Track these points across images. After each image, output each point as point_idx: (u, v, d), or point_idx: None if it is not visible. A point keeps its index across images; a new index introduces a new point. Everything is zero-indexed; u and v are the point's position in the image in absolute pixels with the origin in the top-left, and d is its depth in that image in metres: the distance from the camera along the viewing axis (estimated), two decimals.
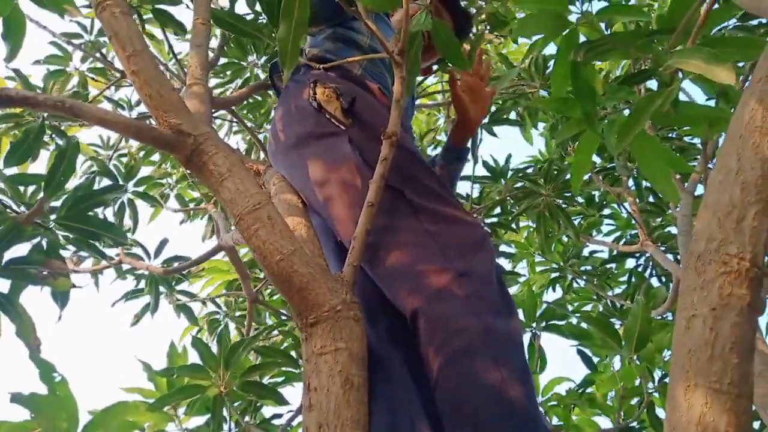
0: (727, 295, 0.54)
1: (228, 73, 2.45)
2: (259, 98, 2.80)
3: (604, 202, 2.92)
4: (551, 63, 2.77)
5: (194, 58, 1.18)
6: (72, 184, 2.24)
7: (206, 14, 1.32)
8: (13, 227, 1.23)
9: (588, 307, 2.98)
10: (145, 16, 2.14)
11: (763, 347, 1.49)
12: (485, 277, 0.91)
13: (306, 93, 1.14)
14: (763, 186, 0.58)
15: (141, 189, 2.66)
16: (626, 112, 1.43)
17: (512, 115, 2.77)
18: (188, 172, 2.31)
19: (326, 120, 1.10)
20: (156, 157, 2.89)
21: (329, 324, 0.77)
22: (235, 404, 2.05)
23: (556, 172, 2.88)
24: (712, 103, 1.46)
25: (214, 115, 2.74)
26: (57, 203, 1.29)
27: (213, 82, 2.73)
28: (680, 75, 1.21)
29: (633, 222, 2.77)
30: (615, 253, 2.88)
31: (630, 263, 2.97)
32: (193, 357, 1.90)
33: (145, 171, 2.95)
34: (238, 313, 2.94)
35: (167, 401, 1.52)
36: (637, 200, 2.65)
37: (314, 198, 1.07)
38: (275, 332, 2.47)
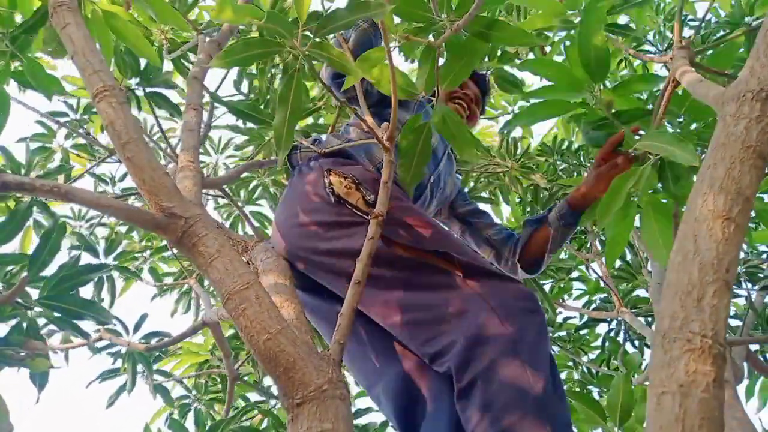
0: (692, 372, 0.57)
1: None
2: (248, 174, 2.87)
3: (572, 267, 2.99)
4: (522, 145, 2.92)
5: (186, 142, 1.23)
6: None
7: (197, 100, 1.39)
8: None
9: (563, 374, 2.97)
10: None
11: (743, 416, 1.50)
12: (535, 342, 0.97)
13: (322, 181, 1.21)
14: (719, 266, 0.63)
15: (117, 262, 2.66)
16: None
17: (485, 194, 2.88)
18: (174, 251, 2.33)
19: (348, 210, 1.17)
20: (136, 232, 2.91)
21: (315, 404, 0.78)
22: None
23: None
24: None
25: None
26: (40, 282, 1.30)
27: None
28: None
29: (602, 285, 2.83)
30: (587, 318, 2.92)
31: (602, 328, 3.01)
32: None
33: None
34: (208, 397, 2.85)
35: None
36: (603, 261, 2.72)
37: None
38: (255, 411, 2.40)
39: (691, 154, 0.99)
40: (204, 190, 2.57)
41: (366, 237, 1.01)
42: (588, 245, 2.91)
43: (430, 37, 1.29)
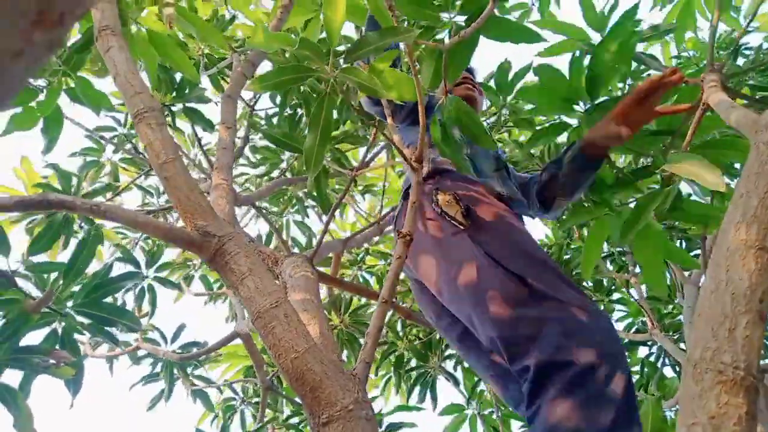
0: (724, 404, 0.56)
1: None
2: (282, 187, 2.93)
3: (613, 288, 2.92)
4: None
5: (220, 160, 1.27)
6: (95, 267, 2.32)
7: (231, 119, 1.43)
8: (20, 315, 1.28)
9: None
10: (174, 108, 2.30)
11: None
12: (608, 374, 0.97)
13: (432, 200, 1.32)
14: (752, 297, 0.61)
15: (162, 274, 2.73)
16: (632, 203, 1.48)
17: None
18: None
19: (449, 223, 1.26)
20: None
21: (341, 424, 0.79)
22: None
23: (567, 259, 2.92)
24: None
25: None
26: (76, 288, 1.35)
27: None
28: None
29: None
30: (626, 341, 2.84)
31: (642, 351, 2.92)
32: None
33: (170, 254, 3.05)
34: (255, 400, 2.90)
35: None
36: (643, 287, 2.65)
37: (448, 289, 1.22)
38: (294, 419, 2.43)
39: (719, 179, 0.97)
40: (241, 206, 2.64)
41: (471, 245, 1.17)
42: (628, 267, 2.84)
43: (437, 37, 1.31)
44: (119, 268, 2.43)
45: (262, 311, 0.84)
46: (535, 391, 0.98)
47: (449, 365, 3.12)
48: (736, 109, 0.99)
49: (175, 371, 2.41)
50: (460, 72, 1.30)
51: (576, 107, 1.43)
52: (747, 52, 2.33)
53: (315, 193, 2.15)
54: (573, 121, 1.50)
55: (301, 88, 2.25)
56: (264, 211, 3.03)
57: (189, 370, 2.55)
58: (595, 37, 1.69)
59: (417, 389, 3.08)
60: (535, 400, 0.99)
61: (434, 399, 3.06)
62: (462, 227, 1.24)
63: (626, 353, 1.05)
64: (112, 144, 2.77)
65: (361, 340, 3.16)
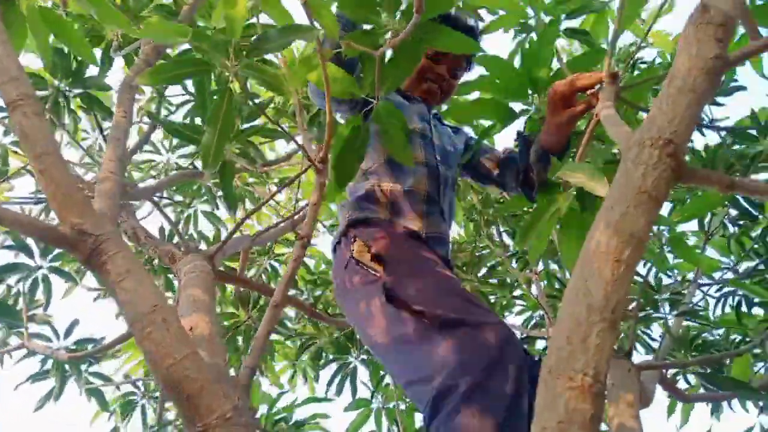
0: (572, 410, 0.59)
1: None
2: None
3: (515, 284, 3.06)
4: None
5: (110, 151, 1.20)
6: None
7: (128, 107, 1.36)
8: None
9: None
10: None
11: None
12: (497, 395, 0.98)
13: (350, 248, 1.32)
14: (606, 307, 0.65)
15: (56, 265, 2.56)
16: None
17: None
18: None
19: (365, 270, 1.26)
20: None
21: None
22: None
23: (478, 258, 3.02)
24: None
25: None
26: None
27: None
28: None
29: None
30: (524, 336, 2.99)
31: (540, 344, 3.08)
32: None
33: None
34: (157, 394, 2.79)
35: None
36: (543, 284, 2.80)
37: (364, 336, 1.24)
38: None
39: (603, 186, 1.04)
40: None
41: (381, 292, 1.17)
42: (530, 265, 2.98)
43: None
44: (7, 257, 2.26)
45: (139, 315, 0.81)
46: (431, 417, 1.01)
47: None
48: (617, 125, 1.06)
49: (68, 368, 2.28)
50: (399, 81, 1.27)
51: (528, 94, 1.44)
52: (643, 66, 2.49)
53: (221, 189, 2.09)
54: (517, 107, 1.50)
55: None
56: (169, 200, 2.91)
57: (84, 367, 2.42)
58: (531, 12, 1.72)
59: (336, 380, 3.10)
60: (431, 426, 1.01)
61: (354, 391, 3.10)
62: (376, 275, 1.24)
63: (521, 356, 1.07)
64: (3, 125, 2.56)
65: (274, 336, 3.13)
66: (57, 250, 2.63)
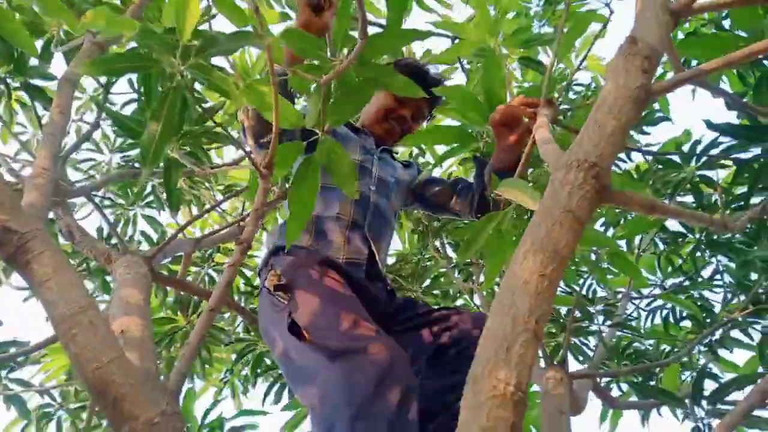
0: (494, 417, 0.62)
1: None
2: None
3: (458, 294, 3.12)
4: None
5: (44, 148, 1.16)
6: None
7: (66, 103, 1.31)
8: None
9: None
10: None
11: None
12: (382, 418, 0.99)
13: (266, 277, 1.37)
14: (530, 319, 0.68)
15: None
16: None
17: None
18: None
19: (276, 299, 1.31)
20: None
21: None
22: None
23: (422, 269, 3.07)
24: None
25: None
26: None
27: None
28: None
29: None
30: None
31: None
32: None
33: None
34: (75, 405, 2.67)
35: None
36: (484, 294, 2.87)
37: (276, 358, 1.32)
38: None
39: (535, 201, 1.08)
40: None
41: (285, 320, 1.22)
42: (473, 276, 3.05)
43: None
44: None
45: (65, 317, 0.78)
46: None
47: None
48: (550, 145, 1.11)
49: None
50: (342, 120, 1.28)
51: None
52: (578, 88, 2.62)
53: (165, 188, 2.04)
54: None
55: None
56: (110, 201, 2.81)
57: (4, 373, 2.29)
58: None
59: (274, 389, 3.06)
60: None
61: (291, 396, 3.06)
62: (282, 303, 1.29)
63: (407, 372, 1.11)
64: None
65: (209, 344, 3.05)
66: None
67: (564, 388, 1.63)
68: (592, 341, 2.75)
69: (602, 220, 2.43)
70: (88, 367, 0.76)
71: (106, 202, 3.14)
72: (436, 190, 1.72)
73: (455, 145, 1.57)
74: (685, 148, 2.28)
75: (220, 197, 3.31)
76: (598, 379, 2.28)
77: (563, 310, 2.75)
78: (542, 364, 1.95)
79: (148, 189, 3.09)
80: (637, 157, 2.60)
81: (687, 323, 2.79)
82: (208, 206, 2.83)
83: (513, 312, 0.69)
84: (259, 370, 3.16)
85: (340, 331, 1.14)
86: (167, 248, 2.15)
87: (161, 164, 2.21)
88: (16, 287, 2.55)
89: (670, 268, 2.78)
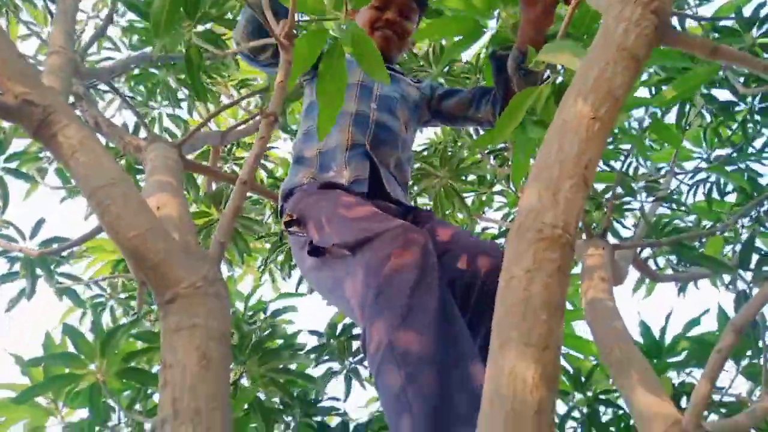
0: (540, 260, 0.59)
1: None
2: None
3: (494, 180, 3.08)
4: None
5: (58, 26, 1.11)
6: None
7: None
8: None
9: None
10: None
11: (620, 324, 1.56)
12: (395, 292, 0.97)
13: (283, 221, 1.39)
14: (578, 163, 0.64)
15: (12, 165, 2.46)
16: None
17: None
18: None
19: (295, 236, 1.33)
20: None
21: (187, 301, 0.77)
22: (125, 393, 1.97)
23: (450, 155, 3.00)
24: None
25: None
26: None
27: None
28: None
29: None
30: (504, 229, 3.05)
31: None
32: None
33: (19, 145, 2.73)
34: (124, 295, 2.81)
35: (35, 393, 1.43)
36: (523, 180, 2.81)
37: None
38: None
39: (573, 59, 1.00)
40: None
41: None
42: (509, 161, 2.98)
43: None
44: None
45: (96, 189, 0.77)
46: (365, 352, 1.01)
47: None
48: None
49: (37, 269, 2.25)
50: (363, 2, 1.23)
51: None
52: None
53: (187, 78, 1.98)
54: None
55: None
56: (131, 97, 2.77)
57: (53, 267, 2.40)
58: None
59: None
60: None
61: None
62: (301, 236, 1.30)
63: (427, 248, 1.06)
64: None
65: (245, 234, 3.13)
66: (11, 150, 2.52)
67: (605, 257, 1.61)
68: (632, 221, 2.72)
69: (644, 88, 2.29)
70: (125, 236, 0.76)
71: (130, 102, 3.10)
72: (454, 102, 1.66)
73: (460, 37, 1.47)
74: (746, 12, 2.08)
75: (234, 93, 3.24)
76: (639, 253, 2.26)
77: (603, 191, 2.68)
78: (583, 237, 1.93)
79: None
80: (690, 25, 2.40)
81: (731, 198, 2.72)
82: (226, 103, 2.78)
83: (560, 157, 0.64)
84: (293, 262, 3.26)
85: (353, 227, 1.13)
86: (195, 140, 2.13)
87: (179, 53, 2.14)
88: (53, 187, 2.60)
89: (716, 141, 2.66)
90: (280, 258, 3.34)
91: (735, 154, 2.46)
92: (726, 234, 2.54)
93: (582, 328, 2.28)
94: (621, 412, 2.10)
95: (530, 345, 0.56)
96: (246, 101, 3.29)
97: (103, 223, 0.77)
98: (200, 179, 3.03)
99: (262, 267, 3.42)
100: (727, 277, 2.61)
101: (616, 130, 2.26)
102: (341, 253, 1.14)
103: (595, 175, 0.67)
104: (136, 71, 2.60)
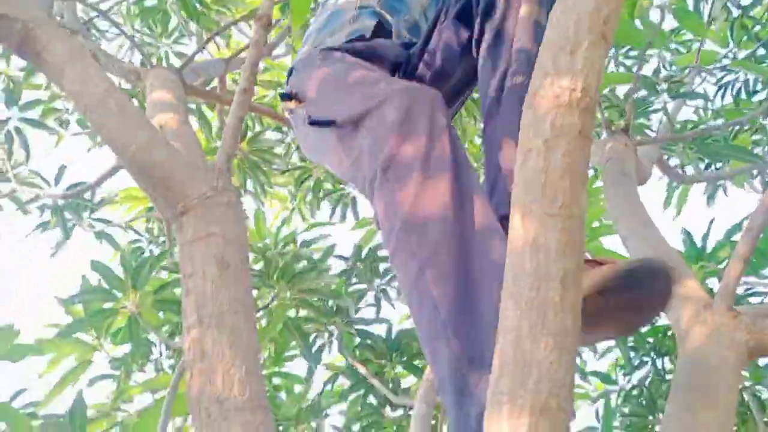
0: (558, 126, 0.55)
1: None
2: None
3: None
4: None
5: None
6: None
7: None
8: None
9: None
10: None
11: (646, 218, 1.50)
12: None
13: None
14: (596, 17, 0.58)
15: (31, 116, 2.45)
16: None
17: None
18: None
19: (297, 115, 1.12)
20: (42, 79, 2.64)
21: (200, 211, 0.75)
22: (164, 327, 2.04)
23: None
24: None
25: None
26: None
27: None
28: None
29: None
30: None
31: None
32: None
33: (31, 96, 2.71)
34: (162, 239, 2.87)
35: (76, 329, 1.48)
36: None
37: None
38: None
39: None
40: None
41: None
42: None
43: None
44: None
45: (91, 105, 0.74)
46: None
47: None
48: None
49: (68, 214, 2.29)
50: None
51: None
52: None
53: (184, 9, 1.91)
54: None
55: None
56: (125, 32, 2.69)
57: (83, 213, 2.44)
58: None
59: (338, 209, 3.18)
60: None
61: (356, 217, 3.19)
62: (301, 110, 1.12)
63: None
64: None
65: (264, 168, 3.12)
66: (27, 99, 2.50)
67: (628, 152, 1.55)
68: (655, 123, 2.60)
69: None
70: (128, 152, 0.74)
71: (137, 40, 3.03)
72: None
73: None
74: None
75: (244, 26, 3.12)
76: (661, 153, 2.17)
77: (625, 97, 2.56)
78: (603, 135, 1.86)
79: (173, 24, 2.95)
80: None
81: (759, 97, 2.58)
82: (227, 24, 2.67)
83: (576, 12, 0.58)
84: (321, 194, 3.25)
85: (353, 98, 1.01)
86: (198, 67, 2.08)
87: None
88: (73, 133, 2.60)
89: (744, 37, 2.49)
90: (309, 197, 3.34)
91: (763, 50, 2.30)
92: (754, 137, 2.42)
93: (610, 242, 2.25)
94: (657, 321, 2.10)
95: (553, 215, 0.52)
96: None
97: (103, 139, 0.75)
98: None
99: (292, 199, 3.42)
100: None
101: (637, 22, 2.13)
102: (346, 125, 1.02)
103: (614, 32, 0.61)
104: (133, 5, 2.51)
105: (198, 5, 2.02)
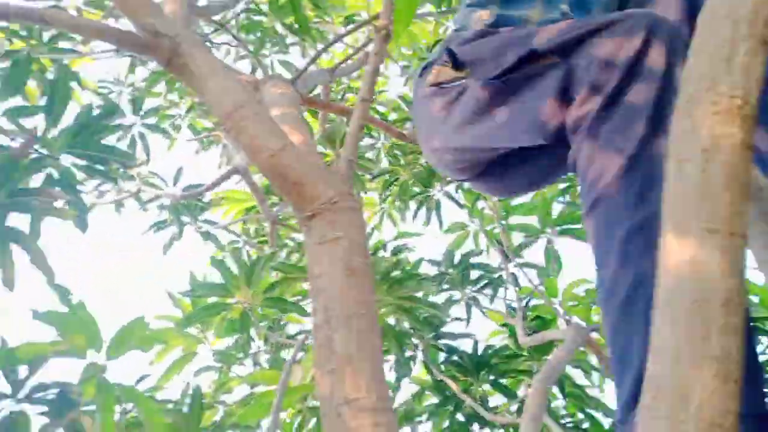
0: (717, 136, 0.52)
1: None
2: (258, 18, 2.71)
3: None
4: None
5: None
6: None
7: None
8: (6, 161, 1.24)
9: None
10: None
11: None
12: None
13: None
14: (754, 21, 0.54)
15: (151, 122, 2.66)
16: None
17: None
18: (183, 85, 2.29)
19: (447, 90, 1.00)
20: (161, 88, 2.86)
21: (327, 216, 0.78)
22: (261, 324, 2.14)
23: None
24: None
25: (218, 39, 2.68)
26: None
27: None
28: None
29: None
30: None
31: None
32: (216, 279, 1.96)
33: (152, 103, 2.94)
34: (256, 240, 3.00)
35: (192, 321, 1.58)
36: None
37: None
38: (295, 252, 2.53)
39: None
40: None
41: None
42: None
43: None
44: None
45: (230, 111, 0.79)
46: None
47: (452, 189, 3.19)
48: None
49: (183, 217, 2.46)
50: None
51: None
52: None
53: (294, 19, 1.99)
54: None
55: None
56: (240, 40, 2.85)
57: (195, 212, 2.60)
58: None
59: (422, 213, 3.19)
60: None
61: (440, 221, 3.19)
62: (462, 78, 0.98)
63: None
64: None
65: (360, 173, 3.19)
66: (148, 106, 2.71)
67: None
68: None
69: None
70: (263, 156, 0.77)
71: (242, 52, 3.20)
72: None
73: None
74: None
75: (341, 30, 3.21)
76: None
77: None
78: None
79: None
80: None
81: None
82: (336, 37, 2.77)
83: (731, 16, 0.55)
84: (407, 197, 3.27)
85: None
86: (305, 77, 2.16)
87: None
88: (188, 139, 2.79)
89: None
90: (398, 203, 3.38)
91: None
92: None
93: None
94: None
95: (713, 231, 0.49)
96: (353, 39, 3.26)
97: (241, 144, 0.79)
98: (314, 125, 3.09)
99: (382, 204, 3.47)
100: None
101: None
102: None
103: None
104: (244, 20, 2.65)
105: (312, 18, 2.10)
